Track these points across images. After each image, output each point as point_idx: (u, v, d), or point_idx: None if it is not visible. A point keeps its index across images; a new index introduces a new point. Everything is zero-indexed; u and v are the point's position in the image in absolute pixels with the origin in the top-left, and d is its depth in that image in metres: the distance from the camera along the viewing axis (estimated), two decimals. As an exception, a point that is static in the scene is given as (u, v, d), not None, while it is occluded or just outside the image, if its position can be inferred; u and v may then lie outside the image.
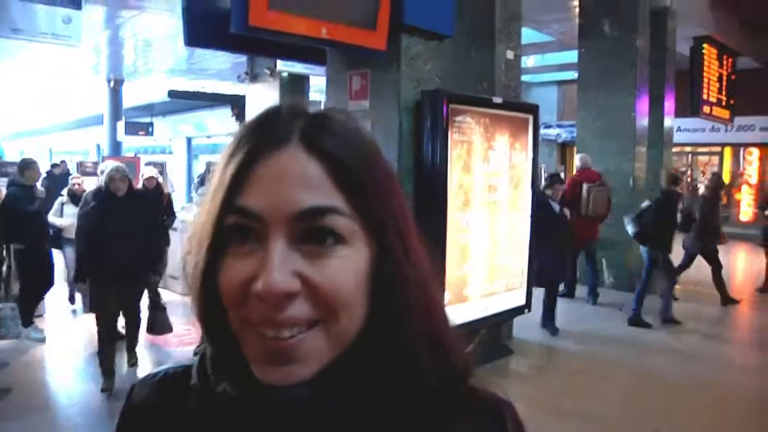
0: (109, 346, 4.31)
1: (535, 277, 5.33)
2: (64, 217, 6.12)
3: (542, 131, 6.91)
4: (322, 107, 0.56)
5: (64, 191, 6.38)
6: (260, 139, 0.51)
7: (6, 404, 4.11)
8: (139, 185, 6.20)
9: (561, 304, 6.98)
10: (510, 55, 5.41)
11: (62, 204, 6.27)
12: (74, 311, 6.58)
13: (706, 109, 9.37)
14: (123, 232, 4.10)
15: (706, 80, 9.20)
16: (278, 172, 0.49)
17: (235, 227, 0.50)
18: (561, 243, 5.81)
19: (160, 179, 6.96)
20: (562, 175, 16.29)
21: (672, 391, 4.41)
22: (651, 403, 4.14)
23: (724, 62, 9.80)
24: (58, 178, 9.31)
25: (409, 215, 0.56)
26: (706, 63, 9.20)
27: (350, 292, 0.50)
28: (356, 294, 0.50)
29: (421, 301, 0.54)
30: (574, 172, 7.68)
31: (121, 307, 4.43)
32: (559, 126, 16.43)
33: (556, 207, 5.85)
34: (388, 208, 0.53)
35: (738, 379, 4.74)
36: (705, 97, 9.25)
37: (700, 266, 7.17)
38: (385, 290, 0.52)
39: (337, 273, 0.49)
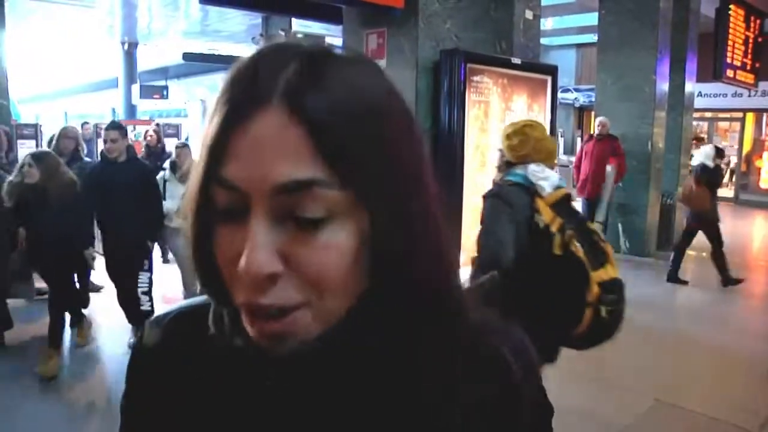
0: None
1: None
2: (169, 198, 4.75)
3: (560, 95, 6.80)
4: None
5: (167, 164, 5.10)
6: (239, 97, 0.45)
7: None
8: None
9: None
10: (529, 14, 5.29)
11: (165, 181, 4.90)
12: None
13: (730, 72, 9.13)
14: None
15: (730, 43, 8.94)
16: (255, 141, 0.44)
17: (219, 203, 0.46)
18: None
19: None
20: (579, 139, 16.05)
21: (683, 360, 4.42)
22: (660, 373, 4.15)
23: (751, 24, 9.50)
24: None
25: (419, 171, 0.50)
26: (732, 25, 8.93)
27: (338, 270, 0.46)
28: (346, 272, 0.46)
29: (421, 261, 0.49)
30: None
31: None
32: (577, 90, 16.18)
33: None
34: (383, 174, 0.46)
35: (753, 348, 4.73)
36: (729, 60, 9.00)
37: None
38: (379, 260, 0.48)
39: (323, 251, 0.45)
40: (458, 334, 0.54)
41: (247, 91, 0.45)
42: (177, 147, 5.09)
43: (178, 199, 4.53)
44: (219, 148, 0.45)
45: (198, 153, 0.48)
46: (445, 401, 0.52)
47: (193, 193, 0.48)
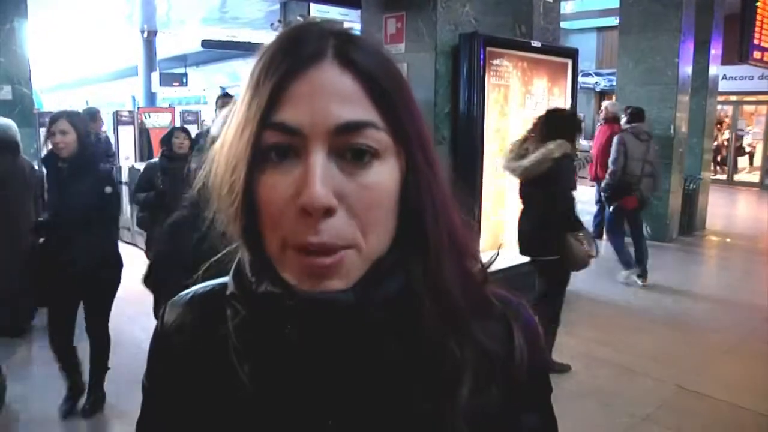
0: None
1: None
2: None
3: (580, 79, 6.68)
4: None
5: None
6: (295, 57, 0.50)
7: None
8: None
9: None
10: (549, -3, 5.22)
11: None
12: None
13: (757, 54, 8.88)
14: None
15: (758, 23, 8.69)
16: (316, 88, 0.50)
17: (272, 144, 0.50)
18: None
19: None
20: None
21: (705, 347, 4.37)
22: (682, 359, 4.11)
23: (780, 3, 9.25)
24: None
25: (427, 129, 0.57)
26: (759, 5, 8.67)
27: (381, 208, 0.51)
28: (387, 212, 0.52)
29: (443, 212, 0.55)
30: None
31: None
32: (598, 74, 15.94)
33: None
34: (414, 122, 0.54)
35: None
36: (756, 41, 8.75)
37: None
38: (412, 204, 0.53)
39: (371, 189, 0.50)
40: (473, 285, 0.59)
41: (301, 52, 0.51)
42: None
43: None
44: (275, 99, 0.50)
45: (242, 111, 0.52)
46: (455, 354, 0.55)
47: (242, 145, 0.51)
